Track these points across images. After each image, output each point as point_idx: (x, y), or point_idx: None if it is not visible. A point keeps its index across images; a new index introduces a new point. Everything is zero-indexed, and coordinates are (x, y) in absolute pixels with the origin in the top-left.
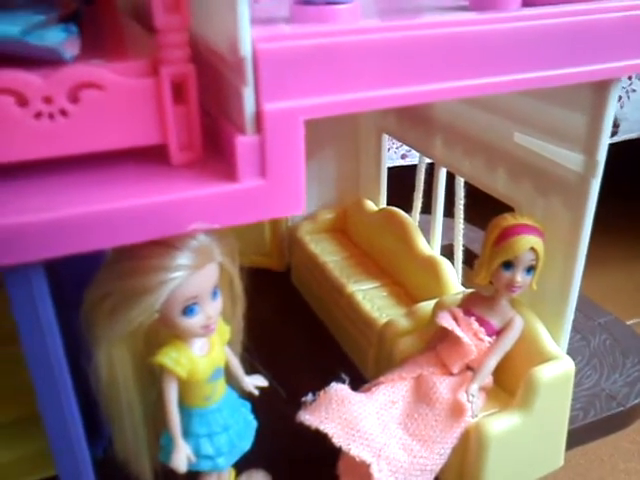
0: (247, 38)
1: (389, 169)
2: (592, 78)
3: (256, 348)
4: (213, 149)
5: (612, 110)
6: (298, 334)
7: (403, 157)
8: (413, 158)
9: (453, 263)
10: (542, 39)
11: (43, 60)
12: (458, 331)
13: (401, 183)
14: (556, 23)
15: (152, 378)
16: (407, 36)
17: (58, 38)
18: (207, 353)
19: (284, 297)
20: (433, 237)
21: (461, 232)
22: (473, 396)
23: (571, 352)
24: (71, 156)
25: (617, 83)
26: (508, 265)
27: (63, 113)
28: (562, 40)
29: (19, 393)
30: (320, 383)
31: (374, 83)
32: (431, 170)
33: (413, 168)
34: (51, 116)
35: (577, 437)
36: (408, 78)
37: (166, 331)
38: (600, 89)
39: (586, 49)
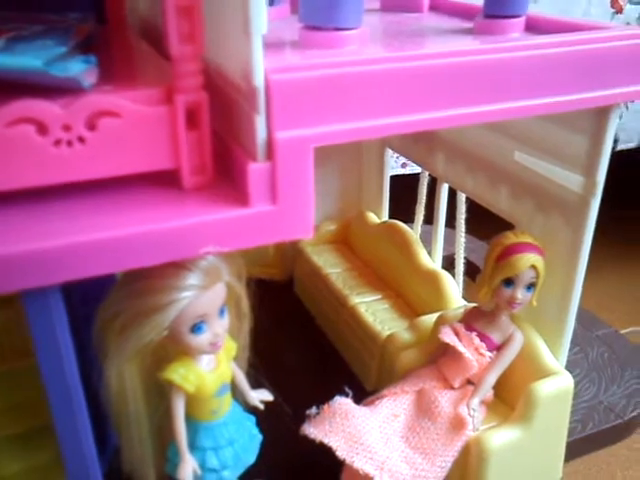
0: (260, 69)
1: (390, 178)
2: (595, 104)
3: (258, 359)
4: (223, 173)
5: (612, 132)
6: (300, 345)
7: (403, 166)
8: (414, 167)
9: (453, 275)
10: (545, 67)
11: (62, 89)
12: (460, 347)
13: (402, 192)
14: (561, 52)
15: (160, 392)
16: (414, 66)
17: (79, 69)
18: (214, 369)
19: (286, 308)
20: (434, 250)
21: (462, 246)
22: (474, 410)
23: (569, 365)
24: (86, 181)
25: (618, 107)
26: (509, 282)
27: (81, 140)
28: (565, 67)
29: (27, 405)
30: (323, 395)
31: (382, 111)
32: (433, 181)
33: (413, 177)
34: (69, 143)
35: (576, 449)
36: (415, 106)
37: (174, 348)
38: (601, 112)
39: (589, 76)
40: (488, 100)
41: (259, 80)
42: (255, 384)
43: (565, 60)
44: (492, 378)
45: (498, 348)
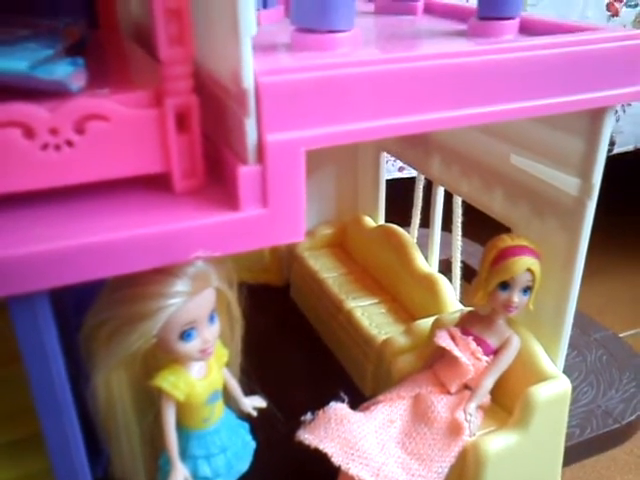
0: (249, 71)
1: (387, 181)
2: (589, 106)
3: (254, 365)
4: (215, 176)
5: (607, 134)
6: (296, 350)
7: (400, 170)
8: (411, 171)
9: (450, 278)
10: (539, 69)
11: (50, 92)
12: (456, 351)
13: (398, 195)
14: (554, 53)
15: (150, 400)
16: (407, 68)
17: (66, 72)
18: (205, 376)
19: (283, 312)
20: (431, 253)
21: (459, 249)
22: (471, 415)
23: (567, 368)
24: (75, 186)
25: (612, 109)
26: (505, 286)
27: (69, 144)
28: (559, 69)
29: (18, 413)
30: (319, 401)
31: (374, 113)
32: (429, 184)
33: (410, 180)
34: (57, 147)
35: (574, 454)
36: (407, 108)
37: (164, 355)
38: (596, 114)
39: (583, 78)
40: (481, 102)
41: (248, 82)
42: (249, 391)
43: (559, 62)
44: (489, 383)
45: (495, 352)
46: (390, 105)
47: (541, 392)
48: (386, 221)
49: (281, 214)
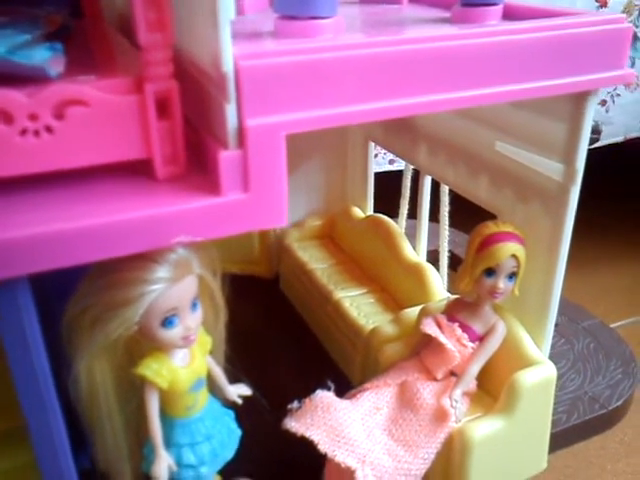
0: (229, 55)
1: (377, 174)
2: (571, 90)
3: (243, 355)
4: (196, 162)
5: (590, 119)
6: (285, 341)
7: (391, 162)
8: (401, 163)
9: (438, 269)
10: (522, 53)
11: (28, 78)
12: (442, 338)
13: (387, 187)
14: (536, 37)
15: (133, 388)
16: (388, 51)
17: (44, 56)
18: (188, 364)
19: (272, 304)
20: (419, 243)
21: (446, 239)
22: (456, 401)
23: (555, 356)
24: (56, 172)
25: (595, 93)
26: (490, 272)
27: (48, 130)
28: (542, 53)
29: (7, 404)
30: (307, 390)
31: (356, 97)
32: (417, 176)
33: (398, 172)
34: (36, 133)
35: (561, 439)
36: (390, 92)
37: (147, 343)
38: (579, 99)
39: (565, 62)
40: (464, 86)
41: (228, 66)
42: (235, 379)
43: (540, 46)
44: (475, 369)
45: (480, 339)
46: (372, 89)
47: (526, 378)
48: (375, 212)
49: (263, 198)
